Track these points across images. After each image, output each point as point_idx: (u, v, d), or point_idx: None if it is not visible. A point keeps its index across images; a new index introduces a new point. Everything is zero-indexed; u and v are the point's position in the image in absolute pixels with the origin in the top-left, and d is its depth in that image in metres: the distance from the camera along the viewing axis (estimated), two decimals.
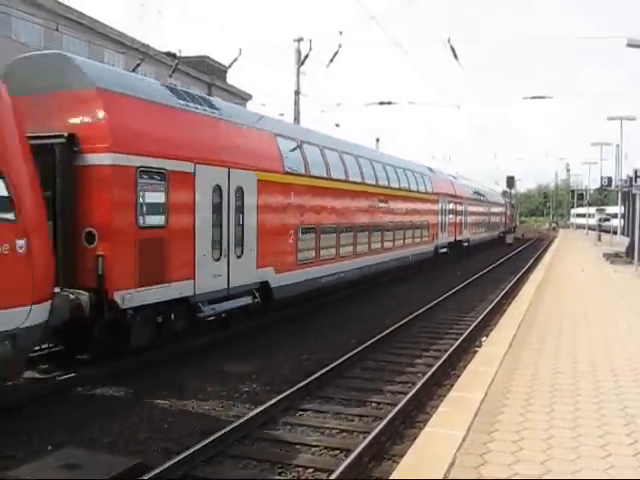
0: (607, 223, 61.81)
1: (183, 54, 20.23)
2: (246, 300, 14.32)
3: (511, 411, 7.13)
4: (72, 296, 9.99)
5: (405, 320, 16.74)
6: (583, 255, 36.38)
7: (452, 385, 9.38)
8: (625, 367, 9.23)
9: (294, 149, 17.26)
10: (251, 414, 9.13)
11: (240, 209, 14.06)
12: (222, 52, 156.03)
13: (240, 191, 14.06)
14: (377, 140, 54.13)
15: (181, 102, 12.90)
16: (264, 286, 14.98)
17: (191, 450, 7.75)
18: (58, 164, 10.46)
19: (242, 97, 54.01)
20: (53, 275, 8.96)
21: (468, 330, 15.51)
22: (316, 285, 17.83)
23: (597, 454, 5.88)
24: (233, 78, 61.54)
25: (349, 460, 7.50)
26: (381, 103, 31.60)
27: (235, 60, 22.09)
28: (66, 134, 10.54)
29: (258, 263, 14.71)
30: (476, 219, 44.84)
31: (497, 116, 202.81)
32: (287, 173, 16.41)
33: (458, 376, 9.97)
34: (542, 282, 20.98)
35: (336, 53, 27.58)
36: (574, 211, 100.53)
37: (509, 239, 60.48)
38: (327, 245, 18.59)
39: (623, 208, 46.12)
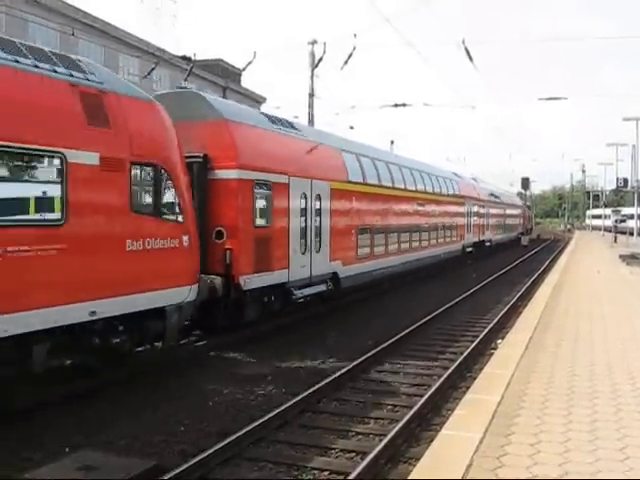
0: (623, 224, 61.44)
1: (198, 57, 20.30)
2: (322, 287, 17.33)
3: (528, 414, 7.08)
4: (209, 280, 12.78)
5: (421, 322, 16.67)
6: (599, 257, 36.14)
7: (468, 387, 9.34)
8: None
9: (354, 161, 20.46)
10: (267, 416, 9.13)
11: (318, 212, 17.24)
12: (236, 55, 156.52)
13: (318, 198, 17.26)
14: (392, 142, 53.95)
15: (275, 126, 16.22)
16: (334, 276, 17.99)
17: (207, 452, 7.77)
18: (195, 178, 13.05)
19: (256, 100, 54.15)
20: (199, 263, 11.72)
21: (484, 332, 15.45)
22: (371, 277, 20.89)
23: (615, 457, 5.83)
24: (247, 81, 61.74)
25: (365, 462, 7.49)
26: (395, 105, 31.55)
27: (250, 63, 22.22)
28: (202, 155, 13.59)
29: (330, 257, 17.86)
30: (497, 221, 47.68)
31: (512, 117, 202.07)
32: (350, 182, 19.69)
33: (474, 378, 9.92)
34: (558, 284, 20.87)
35: (350, 55, 27.56)
36: (589, 212, 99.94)
37: (524, 241, 59.77)
38: (378, 243, 21.69)
39: (639, 209, 45.80)
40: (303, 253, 16.32)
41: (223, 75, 51.12)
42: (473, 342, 14.32)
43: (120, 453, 7.99)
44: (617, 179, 54.34)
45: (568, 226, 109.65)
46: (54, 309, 8.78)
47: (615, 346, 10.83)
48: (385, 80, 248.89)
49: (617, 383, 8.39)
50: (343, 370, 11.66)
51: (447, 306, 19.78)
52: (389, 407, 10.25)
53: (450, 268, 32.00)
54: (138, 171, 10.63)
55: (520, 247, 55.69)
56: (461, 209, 35.26)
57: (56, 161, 9.04)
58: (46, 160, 9.15)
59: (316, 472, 7.68)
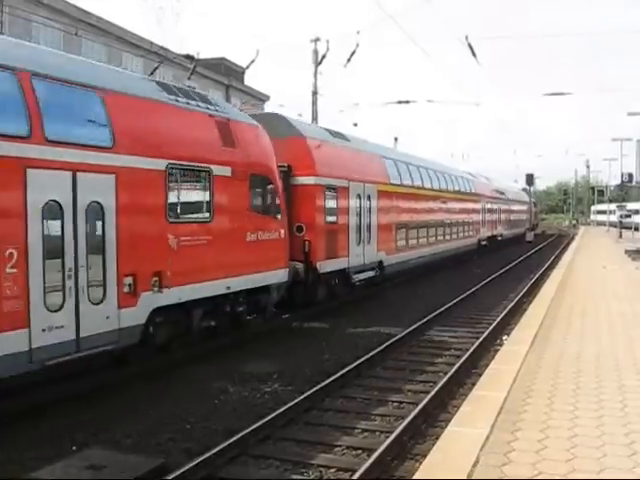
0: (628, 219, 61.19)
1: (201, 56, 20.27)
2: (372, 273, 20.77)
3: (534, 410, 7.08)
4: (293, 265, 15.77)
5: (422, 320, 16.81)
6: (604, 252, 36.06)
7: (474, 384, 9.34)
8: None
9: (392, 166, 23.99)
10: (273, 414, 9.15)
11: (368, 210, 20.73)
12: (240, 54, 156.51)
13: (368, 198, 20.76)
14: (395, 139, 53.71)
15: (334, 139, 19.87)
16: (380, 264, 21.44)
17: (213, 450, 7.79)
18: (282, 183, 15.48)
19: (260, 98, 54.13)
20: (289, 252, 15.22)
21: (489, 329, 15.45)
22: (407, 265, 24.70)
23: (622, 452, 5.83)
24: (251, 79, 61.76)
25: (372, 459, 7.50)
26: (399, 102, 31.54)
27: (253, 61, 22.17)
28: (286, 165, 16.52)
29: (377, 248, 21.37)
30: (507, 217, 51.45)
31: (516, 113, 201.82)
32: (391, 184, 23.26)
33: (480, 375, 9.92)
34: (563, 280, 20.83)
35: (353, 52, 27.56)
36: (594, 208, 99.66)
37: (529, 237, 59.49)
38: (412, 237, 25.35)
39: None
40: (358, 244, 19.87)
41: (226, 74, 51.06)
42: (478, 338, 14.35)
43: (127, 451, 8.02)
44: (622, 174, 54.22)
45: (573, 222, 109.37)
46: (206, 284, 11.91)
47: (622, 342, 10.81)
48: (389, 77, 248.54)
49: (624, 379, 8.38)
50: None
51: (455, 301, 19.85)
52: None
53: (463, 261, 34.28)
54: (253, 180, 13.68)
55: (525, 243, 55.42)
56: (477, 206, 38.93)
57: (206, 174, 12.11)
58: (201, 174, 12.08)
59: (322, 470, 7.69)
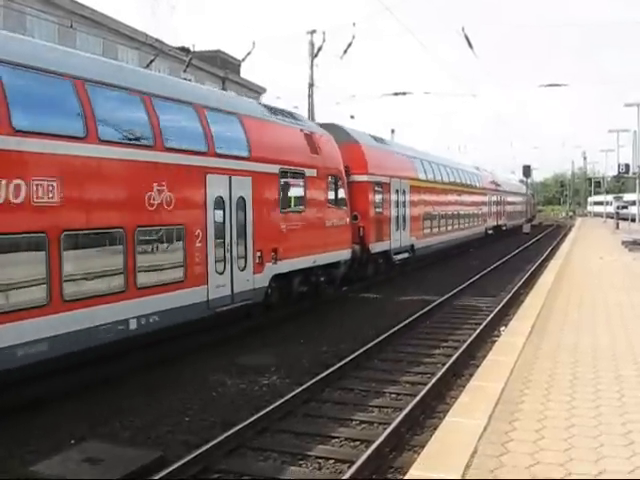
0: (625, 210, 61.25)
1: (196, 49, 20.24)
2: (407, 254, 25.33)
3: (532, 400, 7.09)
4: (352, 247, 19.48)
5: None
6: (601, 243, 36.10)
7: (471, 375, 9.35)
8: None
9: (419, 164, 28.92)
10: (271, 407, 9.16)
11: (403, 203, 25.35)
12: (236, 46, 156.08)
13: (403, 192, 25.44)
14: (392, 131, 53.72)
15: (378, 143, 24.67)
16: (412, 247, 26.13)
17: (212, 443, 7.80)
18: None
19: (256, 91, 53.96)
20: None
21: (487, 320, 15.49)
22: (431, 249, 29.28)
23: (620, 442, 5.84)
24: (247, 72, 61.58)
25: (370, 451, 7.51)
26: (396, 94, 31.55)
27: (249, 54, 22.17)
28: (346, 165, 19.50)
29: (410, 234, 26.10)
30: (509, 208, 56.13)
31: (513, 104, 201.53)
32: (419, 180, 28.03)
33: (477, 366, 9.93)
34: (560, 271, 20.84)
35: (350, 44, 27.58)
36: (591, 199, 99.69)
37: (526, 228, 59.49)
38: (435, 225, 30.10)
39: None
40: (397, 230, 24.43)
41: (222, 66, 50.89)
42: (476, 330, 14.39)
43: (125, 444, 8.02)
44: (618, 165, 54.07)
45: (570, 213, 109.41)
46: (301, 258, 15.89)
47: (619, 334, 10.82)
48: (385, 69, 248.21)
49: (621, 369, 8.39)
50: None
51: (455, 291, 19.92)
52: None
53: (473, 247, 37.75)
54: (329, 179, 17.77)
55: (522, 234, 55.42)
56: (485, 199, 44.02)
57: (301, 176, 16.17)
58: (299, 175, 16.10)
59: (321, 461, 7.70)
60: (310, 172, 16.42)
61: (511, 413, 6.63)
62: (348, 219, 18.83)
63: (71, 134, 9.64)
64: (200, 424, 8.92)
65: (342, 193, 18.56)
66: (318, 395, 10.19)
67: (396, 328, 14.70)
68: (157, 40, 24.04)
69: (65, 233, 9.25)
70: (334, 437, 8.44)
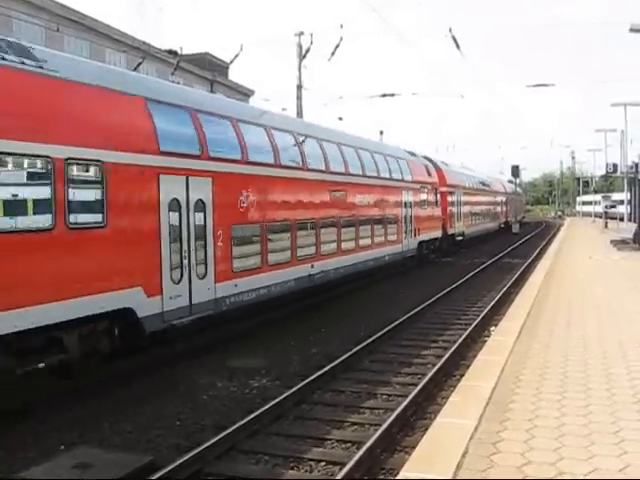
0: (613, 210, 61.50)
1: (184, 51, 20.17)
2: (462, 237, 37.90)
3: (522, 399, 7.10)
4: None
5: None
6: (590, 242, 36.28)
7: (462, 375, 9.36)
8: (639, 356, 9.15)
9: (465, 176, 43.72)
10: (262, 409, 9.14)
11: (460, 203, 38.31)
12: (223, 49, 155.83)
13: (459, 197, 38.37)
14: (381, 133, 53.79)
15: (446, 166, 38.60)
16: (463, 233, 38.61)
17: (203, 446, 7.77)
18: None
19: (244, 93, 53.93)
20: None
21: (477, 320, 15.52)
22: (472, 235, 41.71)
23: (610, 440, 5.86)
24: (235, 74, 61.44)
25: (361, 452, 7.50)
26: (384, 95, 31.53)
27: (237, 56, 22.10)
28: (436, 181, 32.73)
29: (463, 224, 38.66)
30: (512, 207, 68.64)
31: (501, 105, 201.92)
32: (465, 187, 40.91)
33: (468, 366, 9.94)
34: (550, 270, 20.92)
35: (337, 46, 27.51)
36: (580, 199, 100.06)
37: (515, 228, 59.59)
38: (474, 220, 43.90)
39: (629, 194, 45.95)
40: (458, 221, 37.47)
41: (210, 69, 50.85)
42: (466, 330, 14.43)
43: (116, 449, 7.98)
44: (606, 165, 54.24)
45: (559, 213, 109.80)
46: (424, 236, 28.69)
47: (609, 333, 10.85)
48: (373, 70, 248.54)
49: (611, 367, 8.42)
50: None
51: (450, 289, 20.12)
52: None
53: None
54: (434, 190, 30.85)
55: (511, 234, 55.55)
56: (498, 199, 58.10)
57: (429, 189, 30.24)
58: (425, 189, 29.27)
59: (312, 463, 7.68)
60: (429, 187, 30.41)
61: (502, 413, 6.64)
62: (440, 214, 32.31)
63: (192, 152, 12.40)
64: (191, 427, 8.89)
65: (438, 198, 31.84)
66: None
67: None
68: (144, 43, 23.97)
69: (268, 224, 14.83)
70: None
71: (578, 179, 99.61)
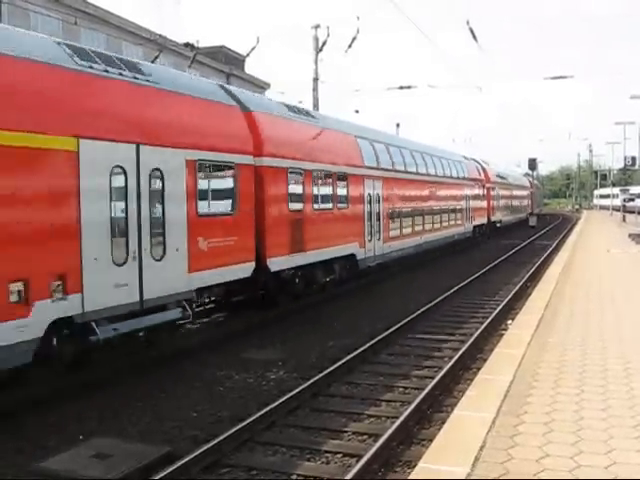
0: (632, 203, 61.01)
1: (201, 44, 20.19)
2: (499, 224, 46.17)
3: (540, 393, 7.08)
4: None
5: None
6: (608, 236, 36.01)
7: (479, 368, 9.33)
8: None
9: (497, 175, 48.23)
10: (279, 401, 9.16)
11: (498, 197, 46.21)
12: (239, 42, 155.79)
13: (498, 191, 45.89)
14: (397, 125, 53.81)
15: (484, 164, 44.84)
16: (501, 221, 46.95)
17: (220, 438, 7.80)
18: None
19: (260, 86, 53.93)
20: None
21: (494, 313, 15.47)
22: (505, 223, 48.93)
23: (630, 435, 5.83)
24: (251, 67, 61.40)
25: (378, 445, 7.51)
26: (401, 87, 31.44)
27: (253, 49, 22.11)
28: (483, 178, 41.68)
29: (498, 214, 46.10)
30: (534, 199, 75.27)
31: (519, 97, 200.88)
32: (498, 183, 46.61)
33: (485, 360, 9.91)
34: (567, 263, 20.79)
35: (354, 38, 27.54)
36: (597, 192, 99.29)
37: (532, 221, 59.19)
38: (504, 210, 49.23)
39: None
40: (497, 211, 44.34)
41: (226, 62, 50.91)
42: (483, 323, 14.40)
43: (134, 440, 8.04)
44: (625, 158, 53.93)
45: (576, 206, 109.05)
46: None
47: (627, 326, 10.79)
48: (390, 62, 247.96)
49: (630, 362, 8.36)
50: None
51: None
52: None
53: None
54: (482, 185, 39.88)
55: (528, 227, 55.24)
56: (524, 192, 64.99)
57: (482, 185, 40.06)
58: (479, 185, 39.40)
59: (329, 455, 7.70)
60: (479, 183, 38.83)
61: (520, 406, 6.62)
62: (486, 205, 40.71)
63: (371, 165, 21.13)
64: (208, 419, 8.92)
65: (484, 192, 39.98)
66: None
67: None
68: (161, 36, 24.01)
69: (402, 210, 23.58)
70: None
71: (596, 172, 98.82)
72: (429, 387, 9.68)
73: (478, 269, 24.39)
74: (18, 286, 8.16)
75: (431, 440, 6.44)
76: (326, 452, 7.78)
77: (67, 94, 9.42)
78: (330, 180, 17.59)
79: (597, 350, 9.02)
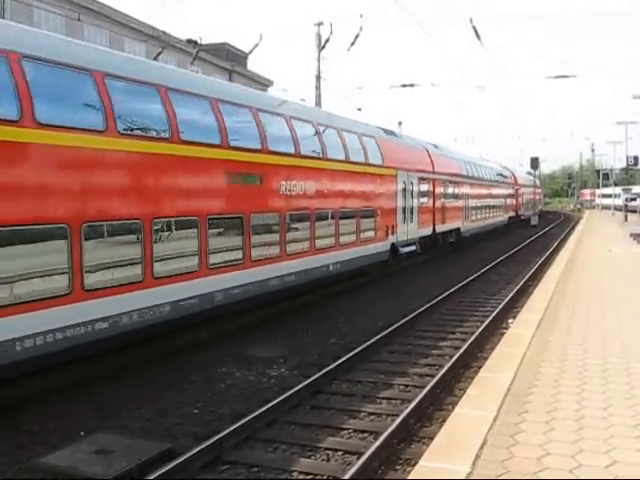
0: (634, 203, 60.96)
1: (203, 41, 20.19)
2: (523, 217, 60.32)
3: (541, 392, 7.08)
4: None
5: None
6: (610, 235, 35.96)
7: (480, 367, 9.34)
8: None
9: (523, 179, 65.37)
10: (280, 398, 9.17)
11: (522, 196, 61.10)
12: (242, 39, 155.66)
13: (522, 191, 61.20)
14: (399, 123, 53.66)
15: (511, 168, 61.89)
16: (520, 215, 58.95)
17: (221, 434, 7.81)
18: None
19: (263, 83, 53.85)
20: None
21: (495, 312, 15.48)
22: (527, 216, 61.28)
23: (630, 434, 5.83)
24: (254, 64, 61.30)
25: (378, 442, 7.51)
26: (403, 85, 31.35)
27: (256, 46, 22.11)
28: (514, 182, 59.04)
29: (522, 209, 60.70)
30: (540, 198, 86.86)
31: (521, 96, 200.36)
32: (524, 186, 63.27)
33: (486, 358, 9.91)
34: (569, 263, 20.77)
35: (357, 36, 27.46)
36: (599, 191, 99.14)
37: (533, 220, 59.25)
38: (524, 205, 62.48)
39: None
40: (523, 208, 60.43)
41: (229, 59, 50.83)
42: (484, 322, 14.40)
43: (135, 436, 8.05)
44: (627, 157, 53.89)
45: (577, 205, 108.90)
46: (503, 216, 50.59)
47: (628, 325, 10.78)
48: (392, 61, 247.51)
49: (630, 361, 8.35)
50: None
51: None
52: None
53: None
54: (515, 188, 56.84)
55: (530, 227, 55.39)
56: (537, 191, 75.57)
57: (513, 187, 56.43)
58: (509, 188, 54.58)
59: (329, 452, 7.71)
60: (512, 184, 54.18)
61: (521, 405, 6.61)
62: (515, 202, 53.86)
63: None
64: (209, 416, 8.94)
65: (514, 191, 53.44)
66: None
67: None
68: (164, 33, 24.02)
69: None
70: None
71: (598, 171, 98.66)
72: (430, 385, 9.70)
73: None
74: (387, 230, 20.95)
75: (432, 438, 6.45)
76: (326, 449, 7.80)
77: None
78: (450, 185, 30.92)
79: (598, 349, 9.02)
